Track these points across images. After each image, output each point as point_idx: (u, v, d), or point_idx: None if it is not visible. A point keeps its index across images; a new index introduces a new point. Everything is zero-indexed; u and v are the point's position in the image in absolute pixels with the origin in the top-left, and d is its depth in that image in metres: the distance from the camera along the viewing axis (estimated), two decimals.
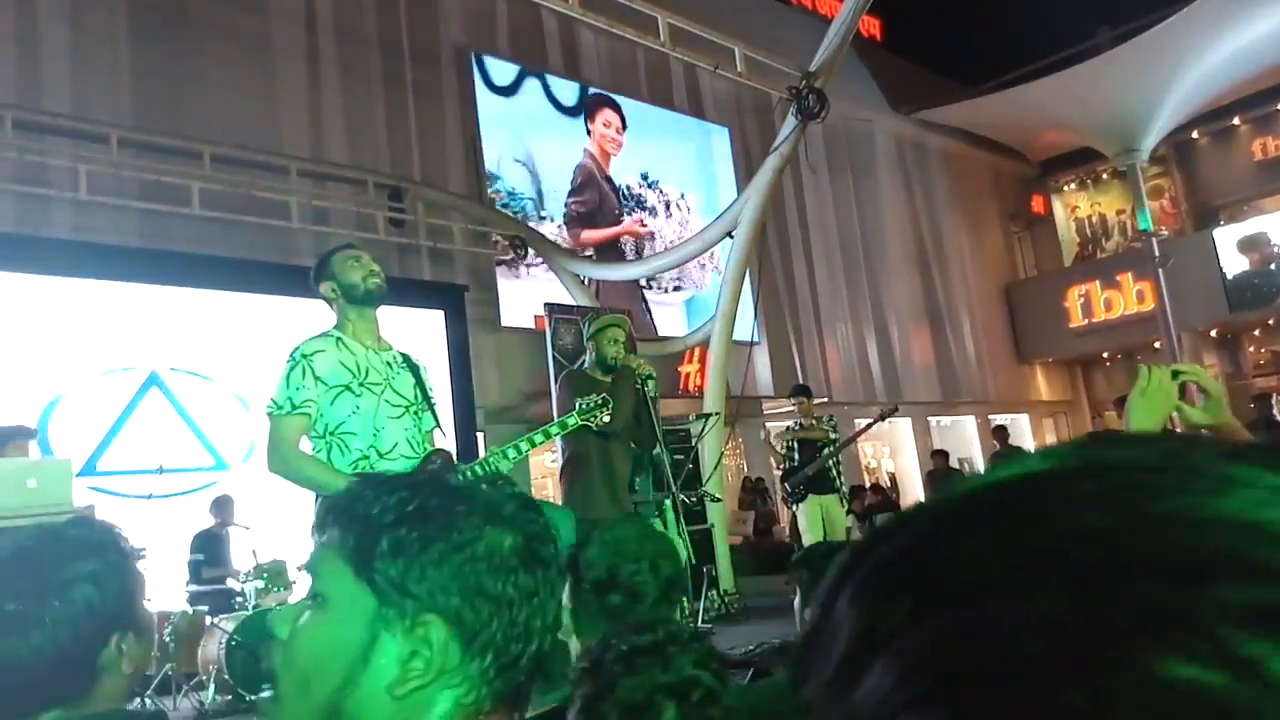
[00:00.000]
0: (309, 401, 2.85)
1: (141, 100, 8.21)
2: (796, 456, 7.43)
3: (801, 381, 10.63)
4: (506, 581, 0.82)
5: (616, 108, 12.86)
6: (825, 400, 12.49)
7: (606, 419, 3.50)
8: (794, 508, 7.50)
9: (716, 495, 8.19)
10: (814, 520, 7.17)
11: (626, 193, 12.80)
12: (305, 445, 2.93)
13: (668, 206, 13.22)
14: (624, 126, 12.86)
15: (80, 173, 7.14)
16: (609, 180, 12.63)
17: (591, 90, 12.42)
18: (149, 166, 7.59)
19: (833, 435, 7.40)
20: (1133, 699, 0.24)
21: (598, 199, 12.42)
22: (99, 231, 7.55)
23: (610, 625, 1.55)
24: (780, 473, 7.66)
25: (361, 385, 2.92)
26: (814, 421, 7.48)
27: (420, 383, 3.11)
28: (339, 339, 2.98)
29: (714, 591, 7.75)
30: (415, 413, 3.05)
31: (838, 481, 7.34)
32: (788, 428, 7.73)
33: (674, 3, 8.28)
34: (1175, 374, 1.56)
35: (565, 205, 11.97)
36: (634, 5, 7.54)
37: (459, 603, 0.80)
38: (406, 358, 3.15)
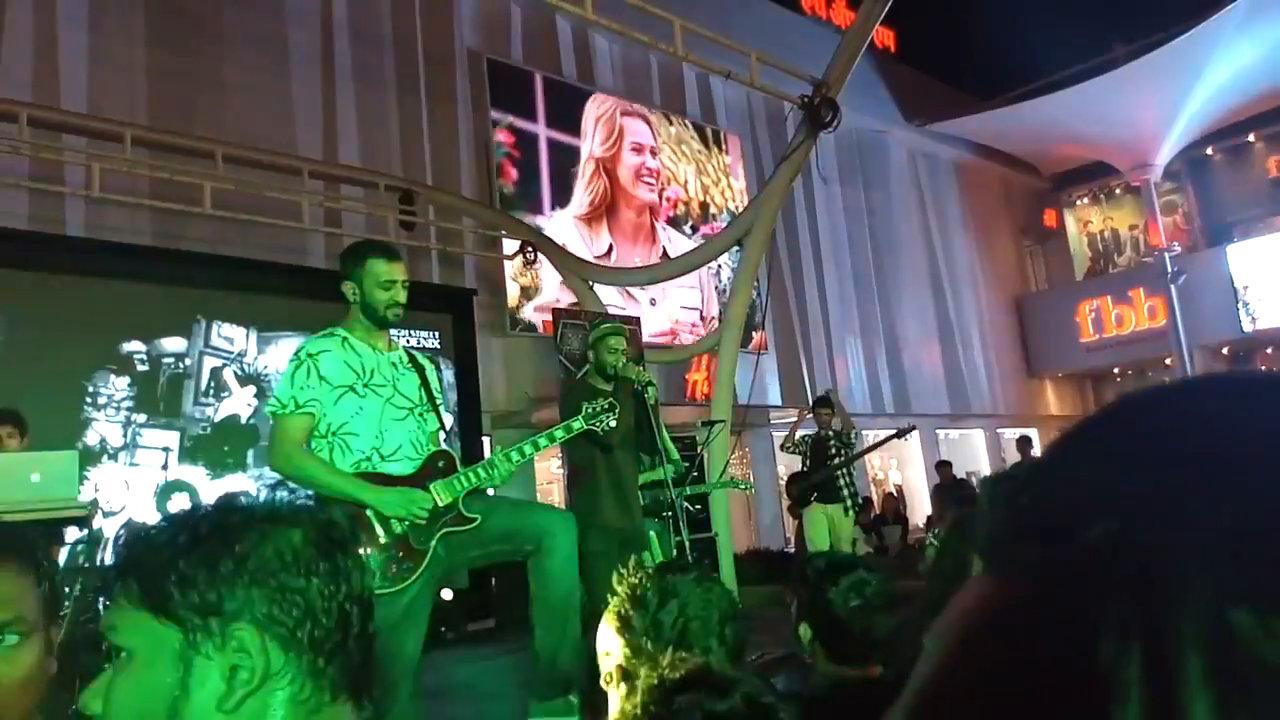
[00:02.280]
0: (313, 401, 2.84)
1: (156, 100, 8.26)
2: (809, 461, 7.42)
3: (819, 392, 10.51)
4: (308, 573, 0.83)
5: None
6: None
7: (613, 423, 3.49)
8: (800, 515, 7.51)
9: (743, 485, 8.22)
10: (819, 529, 7.19)
11: None
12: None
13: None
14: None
15: (94, 171, 7.18)
16: None
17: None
18: (162, 166, 7.62)
19: (833, 448, 7.34)
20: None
21: None
22: (112, 230, 7.60)
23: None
24: (787, 477, 7.67)
25: (366, 386, 2.91)
26: (831, 433, 7.45)
27: (426, 383, 3.10)
28: (345, 339, 2.96)
29: None
30: (420, 414, 3.03)
31: (844, 491, 7.32)
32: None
33: (688, 10, 8.29)
34: None
35: None
36: (649, 9, 7.54)
37: (267, 606, 0.81)
38: (413, 357, 3.13)
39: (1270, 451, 0.25)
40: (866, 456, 13.39)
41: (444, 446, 3.09)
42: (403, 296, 3.00)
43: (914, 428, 8.35)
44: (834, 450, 7.36)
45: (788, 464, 12.71)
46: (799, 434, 7.67)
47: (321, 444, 2.89)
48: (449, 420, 8.74)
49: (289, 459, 2.84)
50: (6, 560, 1.19)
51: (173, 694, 0.80)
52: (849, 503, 7.37)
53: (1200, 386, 0.29)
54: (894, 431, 7.93)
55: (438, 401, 3.12)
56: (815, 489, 7.27)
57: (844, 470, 7.36)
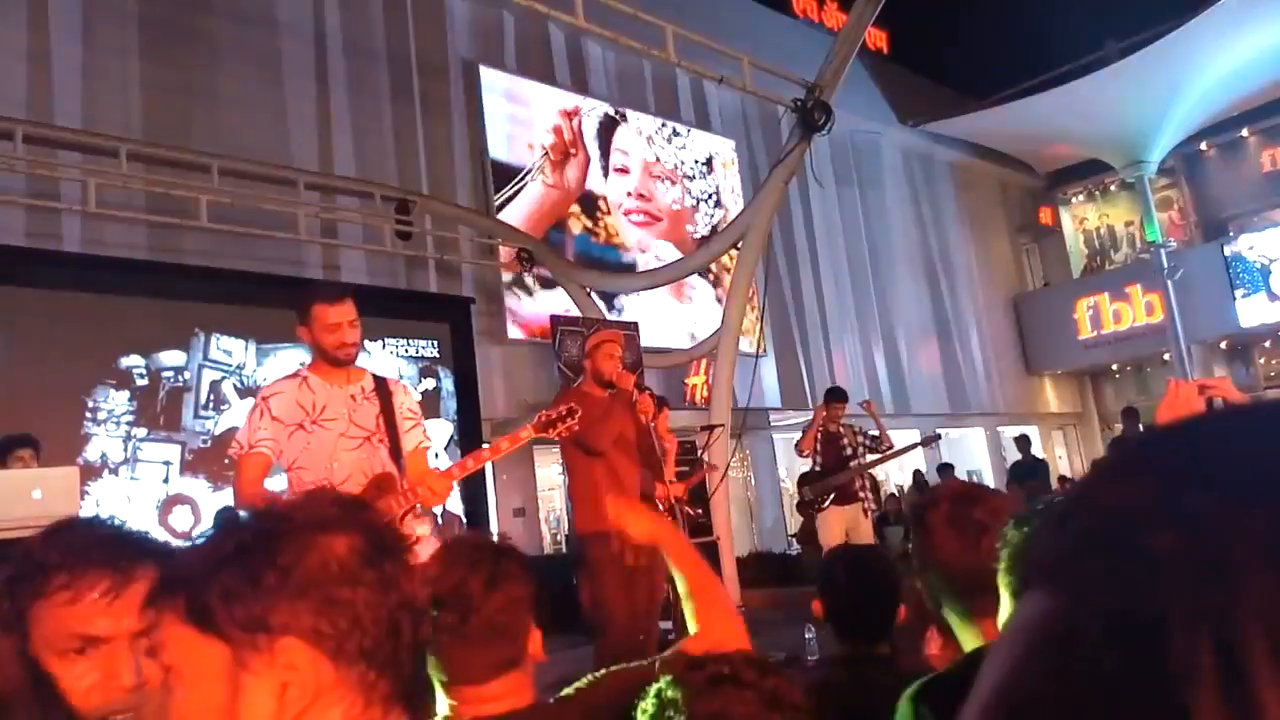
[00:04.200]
0: (265, 440, 3.02)
1: (151, 114, 8.27)
2: (820, 459, 7.20)
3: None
4: (355, 583, 0.80)
5: None
6: None
7: (576, 427, 3.47)
8: (815, 516, 7.25)
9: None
10: (836, 531, 7.00)
11: None
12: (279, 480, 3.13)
13: None
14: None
15: (90, 186, 7.19)
16: None
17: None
18: (158, 180, 7.64)
19: (848, 446, 7.10)
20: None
21: None
22: (109, 245, 7.61)
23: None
24: (799, 477, 7.38)
25: (314, 423, 3.06)
26: (839, 429, 7.25)
27: (386, 411, 3.16)
28: (305, 379, 3.13)
29: None
30: (376, 441, 3.14)
31: (861, 492, 7.10)
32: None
33: (679, 15, 8.31)
34: (1202, 388, 1.59)
35: None
36: (641, 16, 7.56)
37: (313, 620, 0.78)
38: (380, 385, 3.19)
39: None
40: (865, 456, 13.37)
41: (391, 469, 3.12)
42: (351, 336, 3.09)
43: (939, 435, 8.15)
44: (850, 449, 7.12)
45: (789, 466, 12.70)
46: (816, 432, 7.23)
47: (285, 478, 3.12)
48: (448, 429, 8.76)
49: (245, 497, 3.05)
50: None
51: (221, 715, 0.78)
52: (867, 503, 7.11)
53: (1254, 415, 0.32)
54: (919, 440, 7.82)
55: (400, 428, 3.18)
56: (835, 490, 7.00)
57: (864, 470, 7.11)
